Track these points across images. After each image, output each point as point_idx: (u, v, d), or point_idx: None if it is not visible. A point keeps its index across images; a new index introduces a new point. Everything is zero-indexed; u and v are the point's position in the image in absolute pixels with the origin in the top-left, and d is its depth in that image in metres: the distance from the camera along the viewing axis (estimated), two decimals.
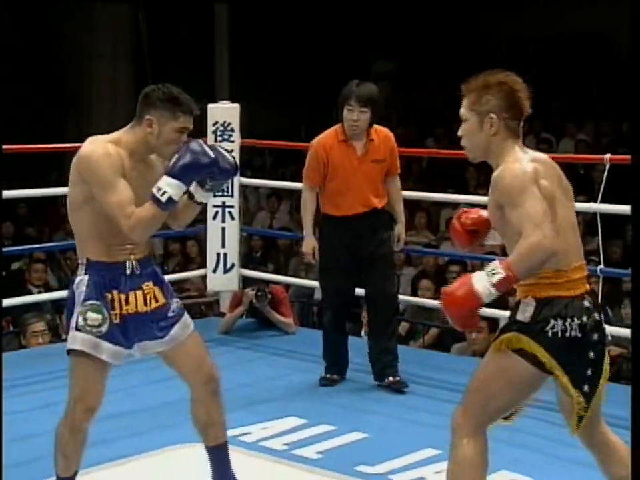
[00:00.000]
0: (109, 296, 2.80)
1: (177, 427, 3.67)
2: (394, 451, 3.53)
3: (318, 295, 7.44)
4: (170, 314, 2.88)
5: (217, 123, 5.23)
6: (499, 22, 12.89)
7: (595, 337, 2.50)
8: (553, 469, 3.43)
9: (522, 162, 2.46)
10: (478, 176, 9.16)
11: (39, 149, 5.56)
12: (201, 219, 5.68)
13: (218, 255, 5.37)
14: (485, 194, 4.08)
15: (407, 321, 5.93)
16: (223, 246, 5.36)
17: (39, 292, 6.59)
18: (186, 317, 2.93)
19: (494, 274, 2.37)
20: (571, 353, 2.47)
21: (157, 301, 2.86)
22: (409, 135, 11.17)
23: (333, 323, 4.43)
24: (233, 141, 5.22)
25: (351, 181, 4.22)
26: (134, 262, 2.82)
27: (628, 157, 4.84)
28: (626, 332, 4.62)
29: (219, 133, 5.22)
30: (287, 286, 6.44)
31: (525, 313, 2.51)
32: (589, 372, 2.50)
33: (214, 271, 5.39)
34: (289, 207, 9.71)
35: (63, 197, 9.44)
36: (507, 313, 4.35)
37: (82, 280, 2.81)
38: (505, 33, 12.80)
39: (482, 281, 2.38)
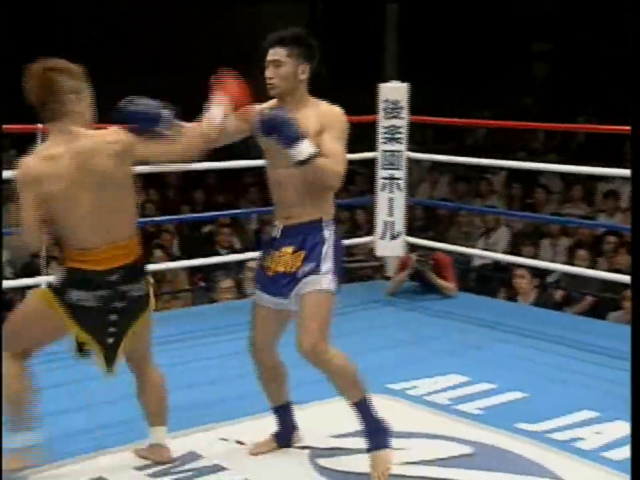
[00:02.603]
0: (268, 252, 2.83)
1: None
2: (553, 411, 3.38)
3: (477, 262, 7.29)
4: (301, 271, 2.73)
5: (387, 100, 5.15)
6: None
7: (119, 305, 2.66)
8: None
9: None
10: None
11: None
12: (369, 189, 5.65)
13: (385, 223, 5.31)
14: None
15: (562, 289, 5.70)
16: (391, 215, 5.30)
17: (227, 253, 6.75)
18: (309, 280, 2.72)
19: None
20: (89, 318, 2.64)
21: (290, 266, 2.74)
22: (561, 111, 10.74)
23: None
24: (402, 118, 5.13)
25: None
26: (282, 226, 2.78)
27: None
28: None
29: (388, 110, 5.14)
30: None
31: (56, 276, 2.72)
32: (111, 329, 2.67)
33: (382, 238, 5.34)
34: (448, 179, 9.54)
35: (247, 169, 9.47)
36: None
37: None
38: None
39: None
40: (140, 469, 2.87)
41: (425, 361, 4.03)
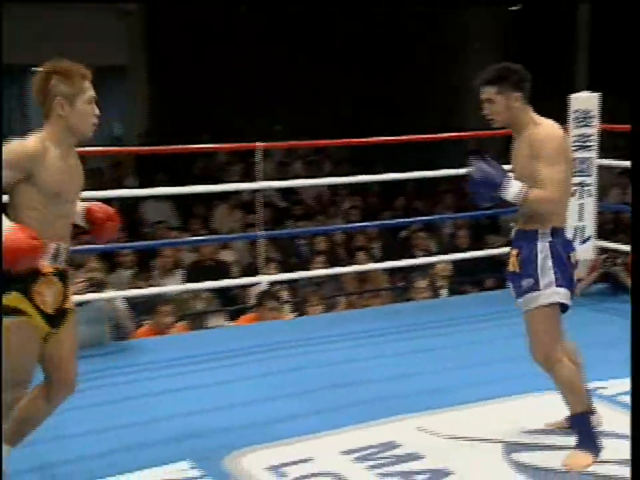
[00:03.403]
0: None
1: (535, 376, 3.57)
2: None
3: None
4: (522, 283, 2.80)
5: (577, 110, 4.99)
6: None
7: None
8: None
9: None
10: None
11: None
12: None
13: (576, 228, 5.14)
14: None
15: None
16: (581, 220, 5.12)
17: (423, 255, 6.78)
18: (530, 297, 2.79)
19: None
20: None
21: (514, 267, 2.83)
22: None
23: None
24: (592, 126, 4.96)
25: None
26: (515, 229, 2.85)
27: None
28: None
29: (579, 120, 4.98)
30: None
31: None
32: None
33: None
34: None
35: (442, 178, 9.32)
36: None
37: None
38: None
39: None
40: (345, 452, 2.98)
41: (616, 362, 3.85)
